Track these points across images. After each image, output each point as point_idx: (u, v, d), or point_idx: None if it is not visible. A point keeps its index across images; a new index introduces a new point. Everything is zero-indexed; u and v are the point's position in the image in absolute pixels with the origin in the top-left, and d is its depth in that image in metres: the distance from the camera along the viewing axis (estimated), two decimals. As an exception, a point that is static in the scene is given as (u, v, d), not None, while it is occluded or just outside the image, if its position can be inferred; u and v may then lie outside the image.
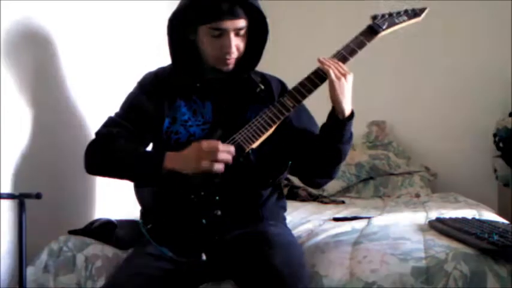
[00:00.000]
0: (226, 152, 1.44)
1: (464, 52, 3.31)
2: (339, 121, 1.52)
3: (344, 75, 1.50)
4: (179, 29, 1.56)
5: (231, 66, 1.56)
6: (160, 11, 2.59)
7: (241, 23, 1.51)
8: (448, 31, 3.10)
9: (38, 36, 1.81)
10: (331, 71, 1.49)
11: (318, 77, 1.53)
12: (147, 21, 2.52)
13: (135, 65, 2.13)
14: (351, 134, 1.57)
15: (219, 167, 1.43)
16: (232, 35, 1.51)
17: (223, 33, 1.50)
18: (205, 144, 1.44)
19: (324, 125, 1.57)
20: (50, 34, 1.86)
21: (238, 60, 1.57)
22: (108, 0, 2.17)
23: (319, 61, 1.53)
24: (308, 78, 1.53)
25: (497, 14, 3.24)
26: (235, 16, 1.49)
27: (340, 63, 1.53)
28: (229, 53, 1.52)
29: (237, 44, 1.53)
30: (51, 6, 1.85)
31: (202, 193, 1.46)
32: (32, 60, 1.80)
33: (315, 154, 1.58)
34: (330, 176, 1.65)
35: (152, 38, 2.53)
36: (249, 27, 1.55)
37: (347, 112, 1.52)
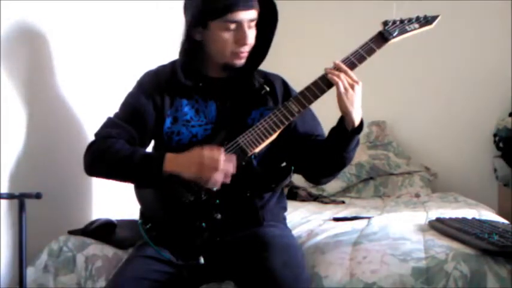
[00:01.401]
0: (228, 162, 1.41)
1: (464, 52, 3.30)
2: (347, 132, 1.49)
3: (352, 85, 1.46)
4: (186, 29, 1.53)
5: (243, 61, 1.54)
6: (159, 10, 2.60)
7: (254, 13, 1.50)
8: (448, 31, 3.08)
9: (36, 35, 1.81)
10: (340, 83, 1.46)
11: (325, 82, 1.49)
12: (145, 20, 2.51)
13: (134, 64, 2.12)
14: (358, 141, 1.54)
15: (216, 184, 1.41)
16: (246, 26, 1.50)
17: (237, 26, 1.49)
18: (208, 152, 1.41)
19: (332, 131, 1.53)
20: (48, 34, 1.85)
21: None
22: (105, 0, 2.17)
23: (328, 69, 1.49)
24: (315, 83, 1.50)
25: (497, 15, 3.23)
26: (249, 6, 1.48)
27: (349, 72, 1.48)
28: (245, 45, 1.51)
29: (250, 37, 1.52)
30: (48, 6, 1.84)
31: (203, 196, 1.46)
32: (32, 60, 1.79)
33: (320, 159, 1.56)
34: (333, 176, 1.64)
35: (151, 37, 2.53)
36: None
37: (356, 122, 1.49)
